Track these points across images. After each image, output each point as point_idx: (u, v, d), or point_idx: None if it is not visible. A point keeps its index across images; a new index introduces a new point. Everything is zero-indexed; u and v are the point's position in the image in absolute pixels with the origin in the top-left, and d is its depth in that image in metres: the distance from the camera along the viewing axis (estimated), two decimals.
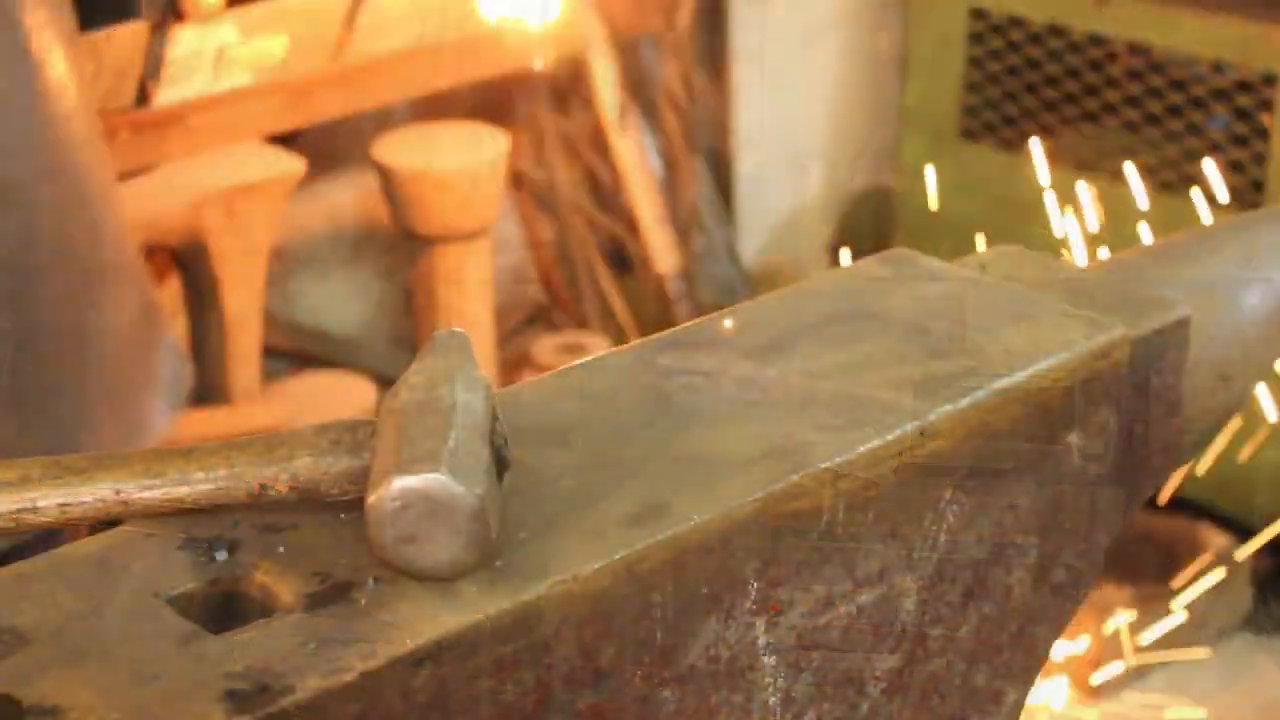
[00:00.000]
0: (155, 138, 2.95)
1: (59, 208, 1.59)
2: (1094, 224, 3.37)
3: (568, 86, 3.83)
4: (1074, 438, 1.29)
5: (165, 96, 2.83)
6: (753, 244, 4.09)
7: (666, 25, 3.87)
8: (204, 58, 3.21)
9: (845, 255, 3.51)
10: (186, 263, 3.16)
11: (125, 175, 2.80)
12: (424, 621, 0.98)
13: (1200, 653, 3.23)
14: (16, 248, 1.55)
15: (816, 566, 1.15)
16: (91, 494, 1.04)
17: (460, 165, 3.27)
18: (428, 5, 3.27)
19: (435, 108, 3.65)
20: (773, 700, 1.15)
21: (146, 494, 1.04)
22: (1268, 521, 3.31)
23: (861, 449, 1.15)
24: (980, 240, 3.04)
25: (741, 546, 1.10)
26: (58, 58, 1.56)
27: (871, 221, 4.14)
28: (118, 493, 1.04)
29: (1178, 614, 3.20)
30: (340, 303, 3.76)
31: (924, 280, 1.37)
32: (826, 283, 1.38)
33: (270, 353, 3.39)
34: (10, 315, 1.55)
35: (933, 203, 3.67)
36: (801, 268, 4.01)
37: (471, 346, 1.10)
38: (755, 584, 1.11)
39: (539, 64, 3.62)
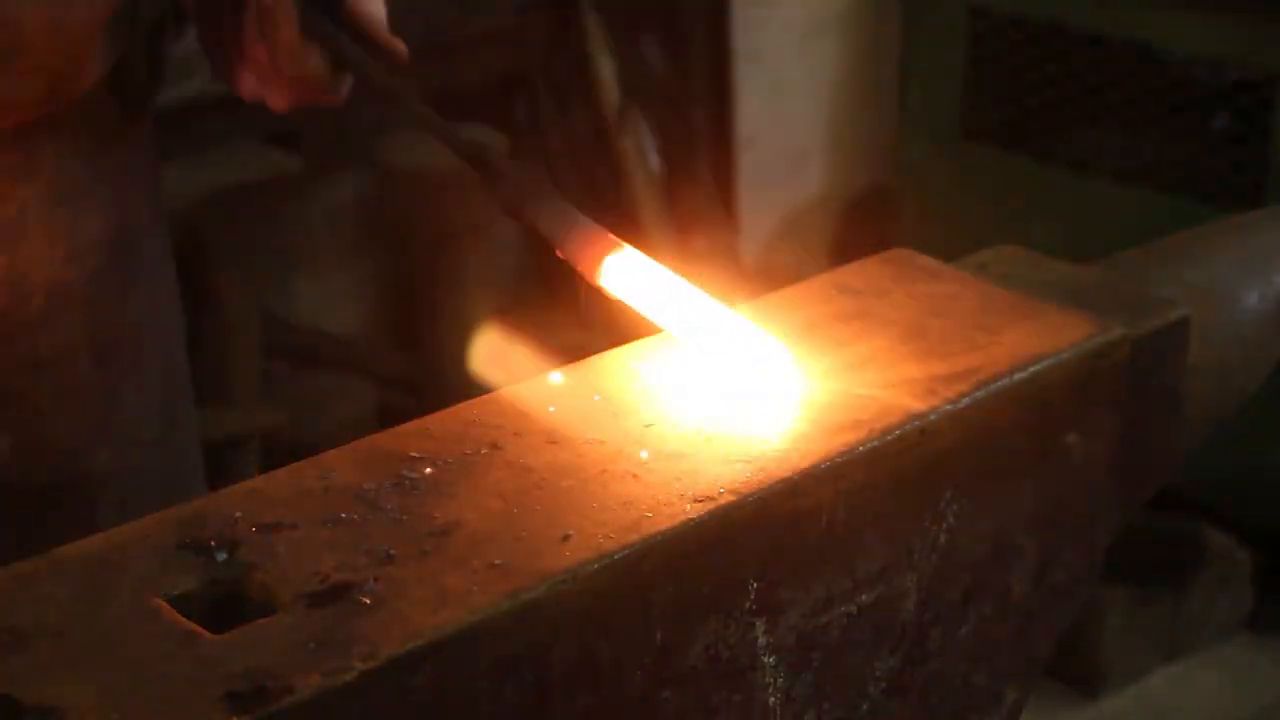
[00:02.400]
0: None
1: None
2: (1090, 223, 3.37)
3: (568, 86, 3.83)
4: (1074, 438, 1.29)
5: (165, 97, 2.83)
6: (753, 244, 4.09)
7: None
8: (204, 58, 3.20)
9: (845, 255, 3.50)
10: (186, 263, 3.15)
11: None
12: (424, 621, 0.98)
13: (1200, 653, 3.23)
14: None
15: (816, 566, 1.15)
16: None
17: (460, 165, 3.27)
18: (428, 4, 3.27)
19: (435, 108, 3.65)
20: (773, 700, 1.15)
21: None
22: (1268, 522, 3.31)
23: (861, 449, 1.15)
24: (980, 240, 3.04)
25: (741, 546, 1.10)
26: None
27: (871, 221, 4.14)
28: None
29: (1177, 613, 3.20)
30: (340, 303, 3.76)
31: (924, 280, 1.37)
32: (826, 283, 1.38)
33: (270, 353, 3.39)
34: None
35: (933, 203, 3.66)
36: (801, 268, 4.01)
37: None
38: (755, 584, 1.11)
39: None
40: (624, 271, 1.23)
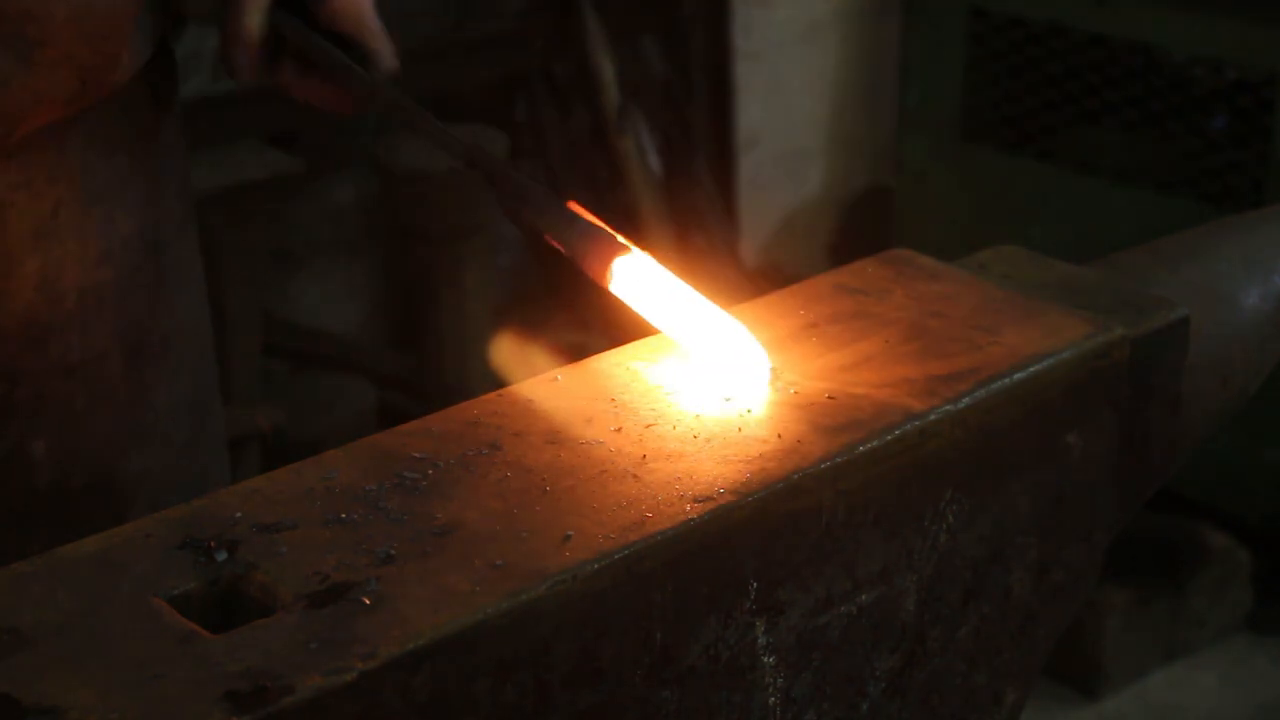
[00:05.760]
0: None
1: None
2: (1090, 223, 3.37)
3: (568, 86, 3.83)
4: (1074, 438, 1.29)
5: None
6: (753, 244, 4.09)
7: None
8: (204, 58, 3.21)
9: (845, 255, 3.51)
10: None
11: None
12: (424, 621, 0.98)
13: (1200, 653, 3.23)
14: None
15: (816, 566, 1.15)
16: None
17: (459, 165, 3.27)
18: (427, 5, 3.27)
19: (435, 108, 3.65)
20: (773, 700, 1.15)
21: None
22: (1268, 521, 3.31)
23: (861, 449, 1.15)
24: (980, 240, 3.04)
25: (741, 546, 1.10)
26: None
27: (871, 221, 4.14)
28: None
29: (1177, 613, 3.20)
30: (340, 303, 3.76)
31: (924, 280, 1.37)
32: (826, 283, 1.38)
33: (270, 353, 3.39)
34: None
35: (933, 203, 3.66)
36: (801, 268, 4.01)
37: None
38: (755, 584, 1.11)
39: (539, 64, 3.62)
40: (629, 273, 1.23)
